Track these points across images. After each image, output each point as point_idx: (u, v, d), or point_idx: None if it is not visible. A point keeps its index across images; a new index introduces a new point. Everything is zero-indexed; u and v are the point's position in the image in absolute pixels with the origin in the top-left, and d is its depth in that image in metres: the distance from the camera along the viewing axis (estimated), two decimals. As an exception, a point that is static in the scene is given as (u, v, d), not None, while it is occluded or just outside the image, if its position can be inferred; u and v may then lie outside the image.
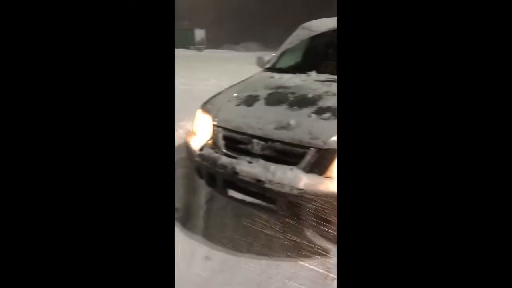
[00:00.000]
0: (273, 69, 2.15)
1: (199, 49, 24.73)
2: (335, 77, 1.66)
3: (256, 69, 2.38)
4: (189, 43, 24.95)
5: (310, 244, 1.44)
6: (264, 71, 2.19)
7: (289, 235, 1.47)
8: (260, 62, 2.37)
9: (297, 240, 1.46)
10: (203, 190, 1.90)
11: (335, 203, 1.12)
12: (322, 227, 1.25)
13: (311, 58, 2.13)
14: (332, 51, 1.95)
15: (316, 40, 2.15)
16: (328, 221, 1.22)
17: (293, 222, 1.34)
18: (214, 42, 26.40)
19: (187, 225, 1.64)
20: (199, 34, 26.67)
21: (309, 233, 1.49)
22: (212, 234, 1.57)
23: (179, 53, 20.76)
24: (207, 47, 25.68)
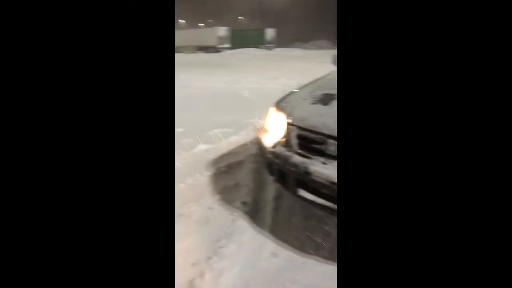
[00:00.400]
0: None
1: (269, 48, 25.08)
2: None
3: (328, 67, 2.30)
4: (259, 43, 25.50)
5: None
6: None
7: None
8: (335, 60, 2.29)
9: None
10: (272, 186, 1.92)
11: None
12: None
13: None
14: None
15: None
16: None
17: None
18: (284, 40, 26.42)
19: (255, 219, 1.68)
20: (270, 33, 27.02)
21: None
22: (279, 231, 1.57)
23: (249, 52, 21.40)
24: (278, 46, 25.86)
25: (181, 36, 27.76)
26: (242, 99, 5.23)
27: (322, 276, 1.28)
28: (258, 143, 1.71)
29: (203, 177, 2.19)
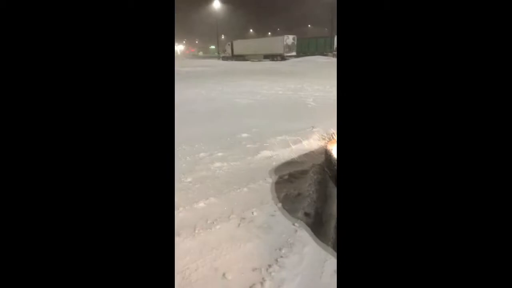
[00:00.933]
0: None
1: (336, 56, 24.39)
2: None
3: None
4: (326, 50, 25.02)
5: None
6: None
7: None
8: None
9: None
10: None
11: None
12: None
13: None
14: None
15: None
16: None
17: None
18: (353, 48, 25.47)
19: (318, 232, 1.62)
20: (336, 40, 26.24)
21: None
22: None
23: (316, 59, 21.12)
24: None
25: (249, 45, 28.86)
26: (306, 107, 5.16)
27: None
28: (325, 153, 1.65)
29: (266, 184, 2.20)
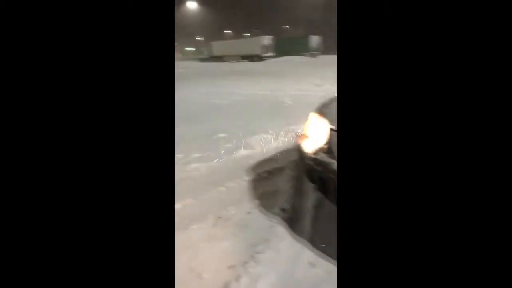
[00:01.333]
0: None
1: (314, 55, 24.81)
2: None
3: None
4: (304, 50, 25.37)
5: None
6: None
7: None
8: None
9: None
10: (313, 194, 1.87)
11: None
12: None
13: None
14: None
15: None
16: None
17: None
18: (330, 47, 26.00)
19: (294, 227, 1.64)
20: (314, 40, 26.75)
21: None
22: (318, 241, 1.52)
23: (293, 59, 21.38)
24: (323, 53, 25.49)
25: (226, 46, 28.76)
26: (284, 106, 5.22)
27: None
28: (298, 149, 1.68)
29: (244, 182, 2.21)
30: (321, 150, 1.51)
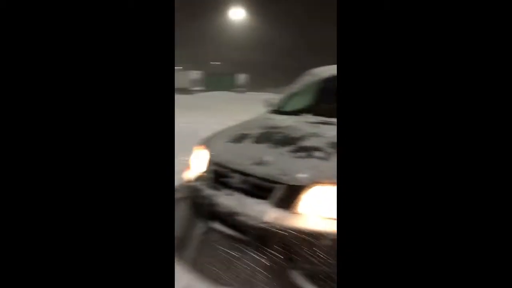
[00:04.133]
0: (277, 111, 2.29)
1: (241, 92, 26.12)
2: (327, 119, 1.74)
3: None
4: (231, 87, 26.59)
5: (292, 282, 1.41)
6: (269, 112, 2.34)
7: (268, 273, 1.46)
8: (267, 104, 2.54)
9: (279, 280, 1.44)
10: (198, 221, 1.98)
11: (302, 238, 1.14)
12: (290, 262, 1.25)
13: (312, 101, 2.24)
14: (329, 96, 2.05)
15: (318, 85, 2.28)
16: (297, 255, 1.23)
17: (264, 258, 1.35)
18: (256, 85, 27.69)
19: (180, 255, 1.71)
20: (241, 78, 28.38)
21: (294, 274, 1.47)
22: (199, 265, 1.61)
23: (221, 95, 22.11)
24: (250, 90, 27.02)
25: (155, 78, 28.10)
26: (196, 138, 5.33)
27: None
28: (180, 179, 1.82)
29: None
30: (201, 178, 1.68)
